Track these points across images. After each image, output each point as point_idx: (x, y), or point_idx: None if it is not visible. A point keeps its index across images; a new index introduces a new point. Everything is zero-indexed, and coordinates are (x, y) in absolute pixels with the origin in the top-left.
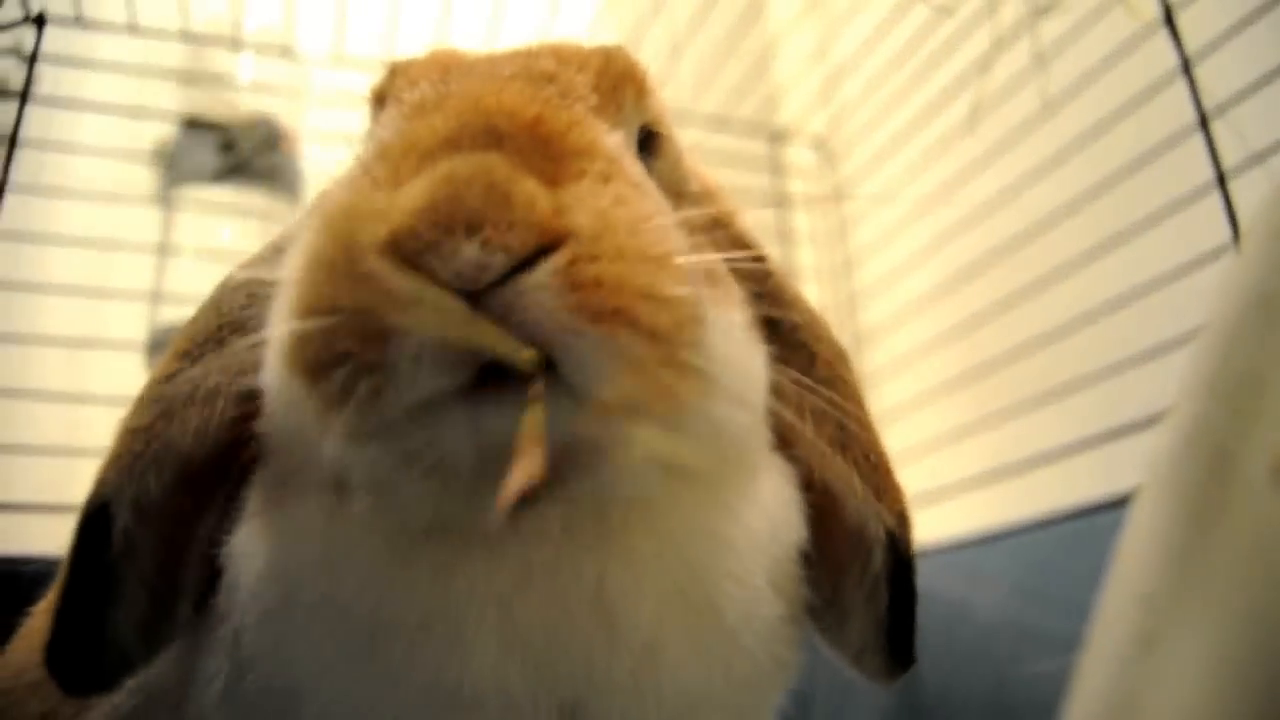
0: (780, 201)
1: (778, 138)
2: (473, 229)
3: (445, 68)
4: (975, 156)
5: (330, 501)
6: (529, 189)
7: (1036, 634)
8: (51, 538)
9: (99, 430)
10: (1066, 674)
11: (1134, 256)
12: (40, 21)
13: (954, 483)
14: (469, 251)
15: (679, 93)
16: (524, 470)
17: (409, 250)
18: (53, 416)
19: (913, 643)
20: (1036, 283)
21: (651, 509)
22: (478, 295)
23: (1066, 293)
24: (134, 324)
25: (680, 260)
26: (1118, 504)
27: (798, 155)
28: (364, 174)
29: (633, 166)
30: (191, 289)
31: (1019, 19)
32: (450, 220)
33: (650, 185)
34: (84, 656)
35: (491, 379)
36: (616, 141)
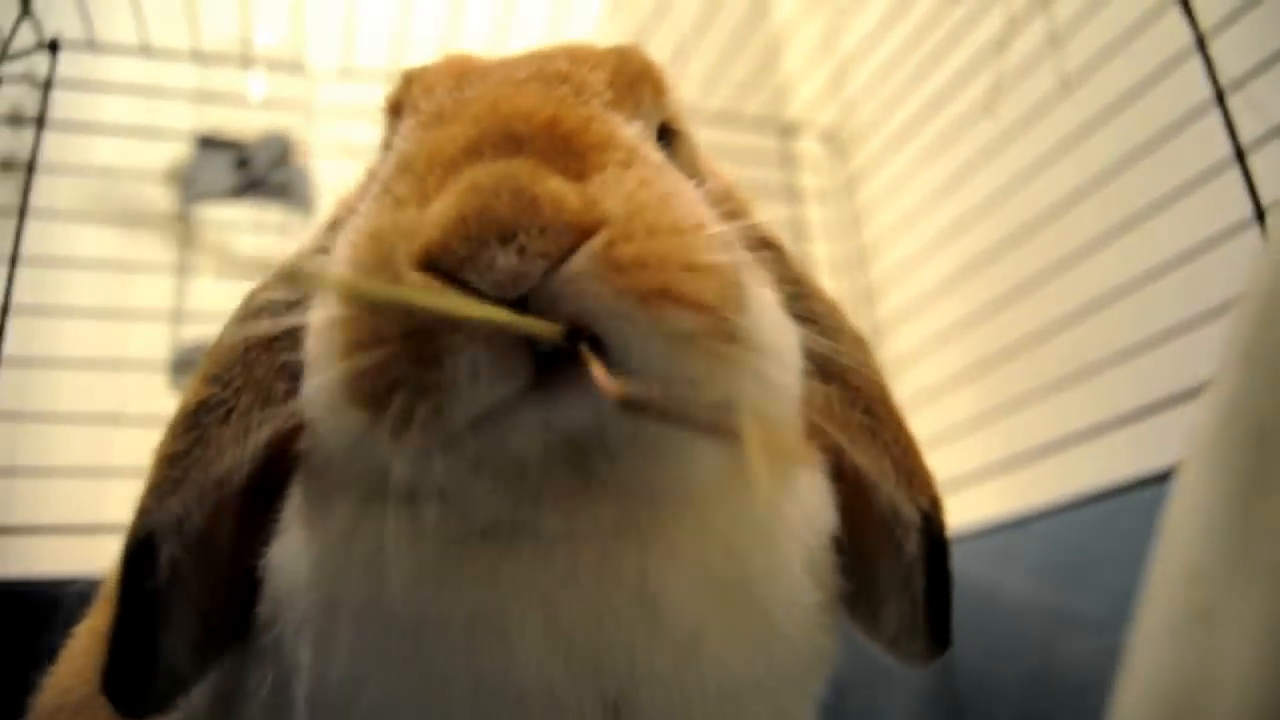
0: (792, 195)
1: (787, 132)
2: (506, 238)
3: (460, 74)
4: (990, 140)
5: (395, 510)
6: (555, 189)
7: (1070, 616)
8: (80, 558)
9: (126, 450)
10: (1102, 655)
11: (1154, 234)
12: (54, 47)
13: (979, 468)
14: (505, 261)
15: (687, 90)
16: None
17: (445, 267)
18: (78, 438)
19: (949, 625)
20: (1057, 264)
21: (694, 501)
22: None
23: (1087, 273)
24: (155, 344)
25: (713, 231)
26: (1145, 483)
27: (808, 148)
28: (387, 191)
29: (653, 153)
30: (212, 306)
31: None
32: (482, 232)
33: (672, 168)
34: (139, 680)
35: (547, 374)
36: (635, 131)
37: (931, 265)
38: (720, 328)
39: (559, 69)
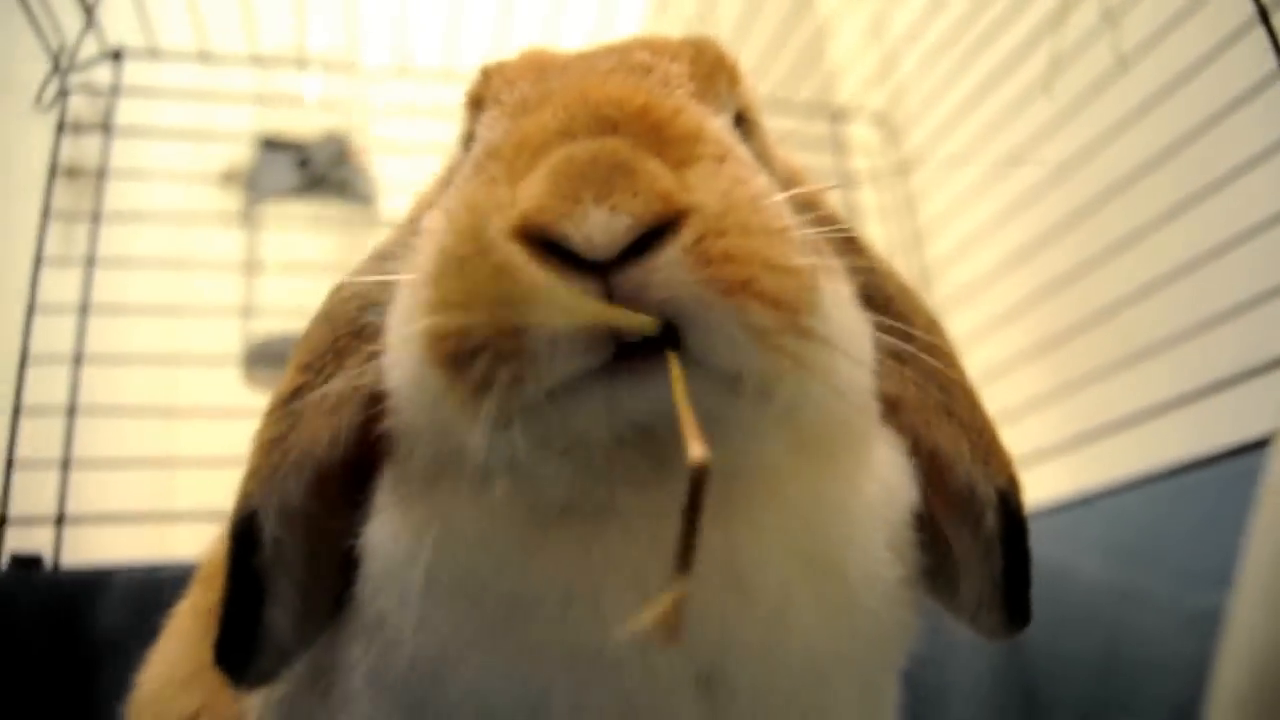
0: (845, 179)
1: (839, 116)
2: (600, 196)
3: (541, 67)
4: (1046, 119)
5: (469, 486)
6: (652, 165)
7: (1139, 593)
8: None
9: (195, 441)
10: (1172, 632)
11: (1222, 208)
12: (118, 56)
13: (1043, 447)
14: (598, 216)
15: None
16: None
17: (540, 223)
18: (148, 431)
19: (1028, 600)
20: (1120, 241)
21: (775, 480)
22: (608, 273)
23: (1152, 249)
24: (225, 339)
25: (797, 234)
26: (1213, 460)
27: (860, 132)
28: (479, 173)
29: (740, 149)
30: (279, 301)
31: None
32: (578, 190)
33: (758, 166)
34: (247, 652)
35: (624, 356)
36: (722, 124)
37: (989, 246)
38: (796, 326)
39: (641, 60)
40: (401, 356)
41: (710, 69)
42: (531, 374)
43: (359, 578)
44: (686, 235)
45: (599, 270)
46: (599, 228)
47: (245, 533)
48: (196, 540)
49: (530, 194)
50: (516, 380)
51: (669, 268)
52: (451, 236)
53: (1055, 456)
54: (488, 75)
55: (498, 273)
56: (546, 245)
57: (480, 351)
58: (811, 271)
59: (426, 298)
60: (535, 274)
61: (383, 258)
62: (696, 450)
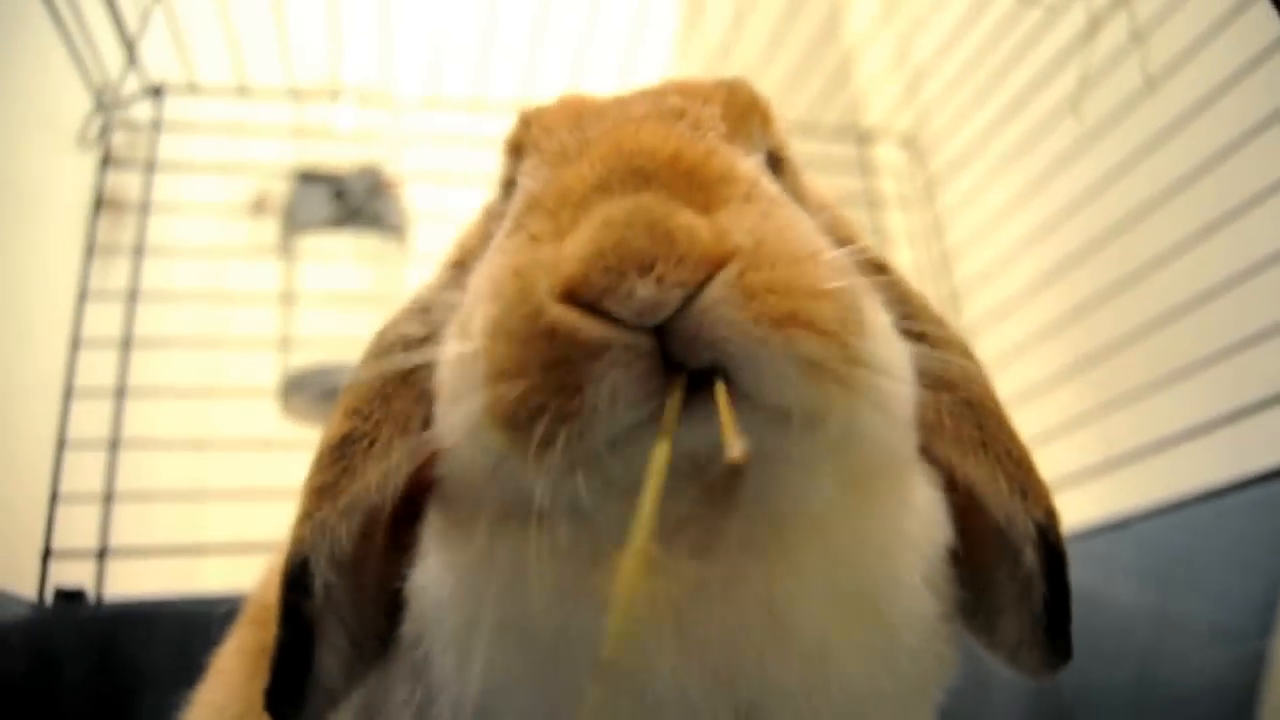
0: (872, 202)
1: (865, 138)
2: (645, 269)
3: (577, 113)
4: (1074, 140)
5: (525, 530)
6: (688, 221)
7: (1174, 620)
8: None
9: (232, 473)
10: (1208, 660)
11: (1253, 230)
12: (159, 92)
13: (1075, 471)
14: (645, 291)
15: None
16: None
17: (586, 298)
18: (185, 464)
19: (1069, 636)
20: (1150, 263)
21: (817, 518)
22: (660, 326)
23: (1184, 271)
24: (261, 370)
25: (830, 258)
26: (1248, 484)
27: (887, 154)
28: (520, 228)
29: (770, 185)
30: (316, 333)
31: None
32: (621, 264)
33: (787, 199)
34: (299, 698)
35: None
36: (753, 164)
37: (1017, 269)
38: (844, 353)
39: (674, 105)
40: (460, 419)
41: (743, 111)
42: (591, 429)
43: (406, 619)
44: (729, 273)
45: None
46: (646, 304)
47: (298, 579)
48: (234, 572)
49: (573, 259)
50: (579, 436)
51: (716, 306)
52: (500, 303)
53: (1088, 480)
54: (527, 122)
55: (551, 334)
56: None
57: (540, 413)
58: (852, 293)
59: (483, 368)
60: (588, 328)
61: (425, 304)
62: (735, 448)
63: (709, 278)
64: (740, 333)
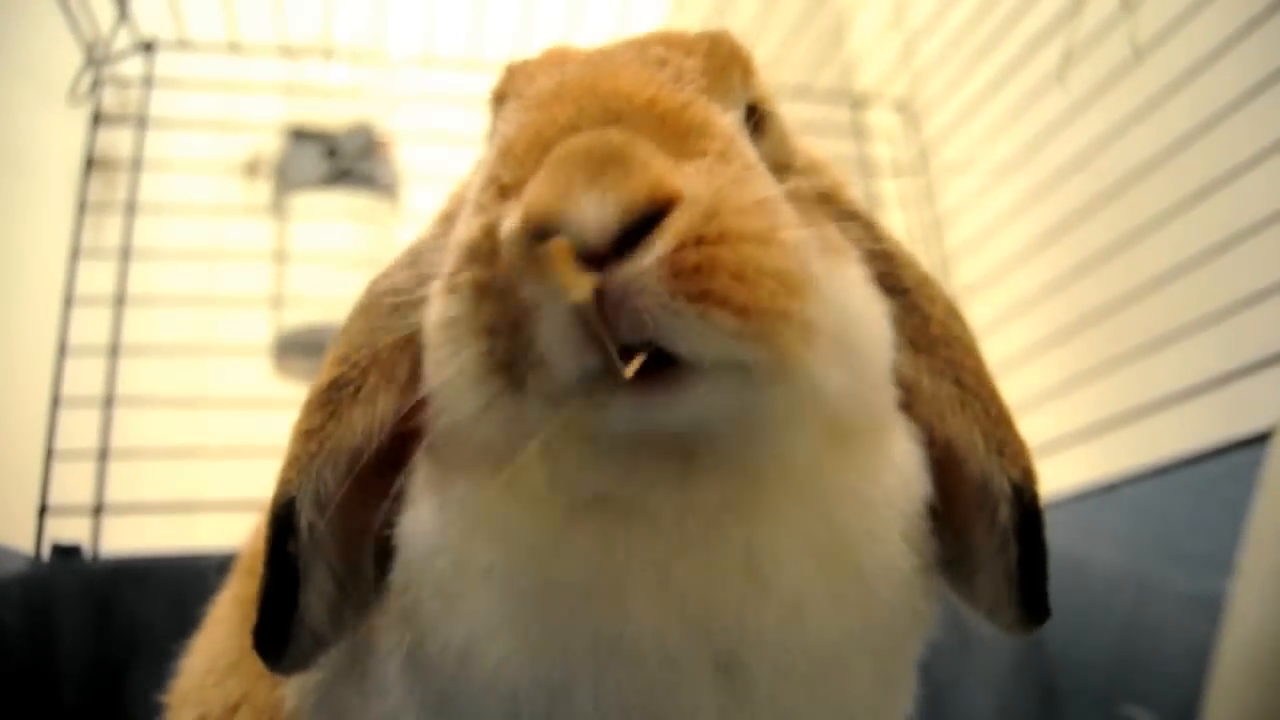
0: (865, 167)
1: (859, 103)
2: (591, 182)
3: (560, 62)
4: (1066, 107)
5: (499, 479)
6: (646, 150)
7: (1158, 583)
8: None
9: (226, 431)
10: (1191, 623)
11: (1240, 197)
12: (150, 48)
13: (1062, 436)
14: (589, 200)
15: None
16: None
17: (539, 217)
18: (179, 421)
19: (1045, 595)
20: (1139, 229)
21: (794, 473)
22: (603, 266)
23: (1171, 238)
24: (254, 328)
25: (788, 236)
26: (1232, 448)
27: (880, 119)
28: (492, 179)
29: (748, 147)
30: (308, 292)
31: None
32: (571, 182)
33: (761, 165)
34: (284, 637)
35: (654, 366)
36: (731, 121)
37: (1009, 234)
38: (775, 325)
39: (656, 55)
40: (436, 373)
41: (724, 63)
42: (554, 371)
43: (395, 566)
44: (666, 239)
45: (597, 264)
46: (590, 213)
47: (283, 520)
48: (228, 529)
49: (532, 191)
50: (537, 365)
51: (643, 278)
52: (467, 249)
53: (1075, 445)
54: (511, 72)
55: (504, 293)
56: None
57: (502, 367)
58: (801, 272)
59: (456, 312)
60: (535, 287)
61: (416, 255)
62: (624, 372)
63: (653, 211)
64: (659, 307)
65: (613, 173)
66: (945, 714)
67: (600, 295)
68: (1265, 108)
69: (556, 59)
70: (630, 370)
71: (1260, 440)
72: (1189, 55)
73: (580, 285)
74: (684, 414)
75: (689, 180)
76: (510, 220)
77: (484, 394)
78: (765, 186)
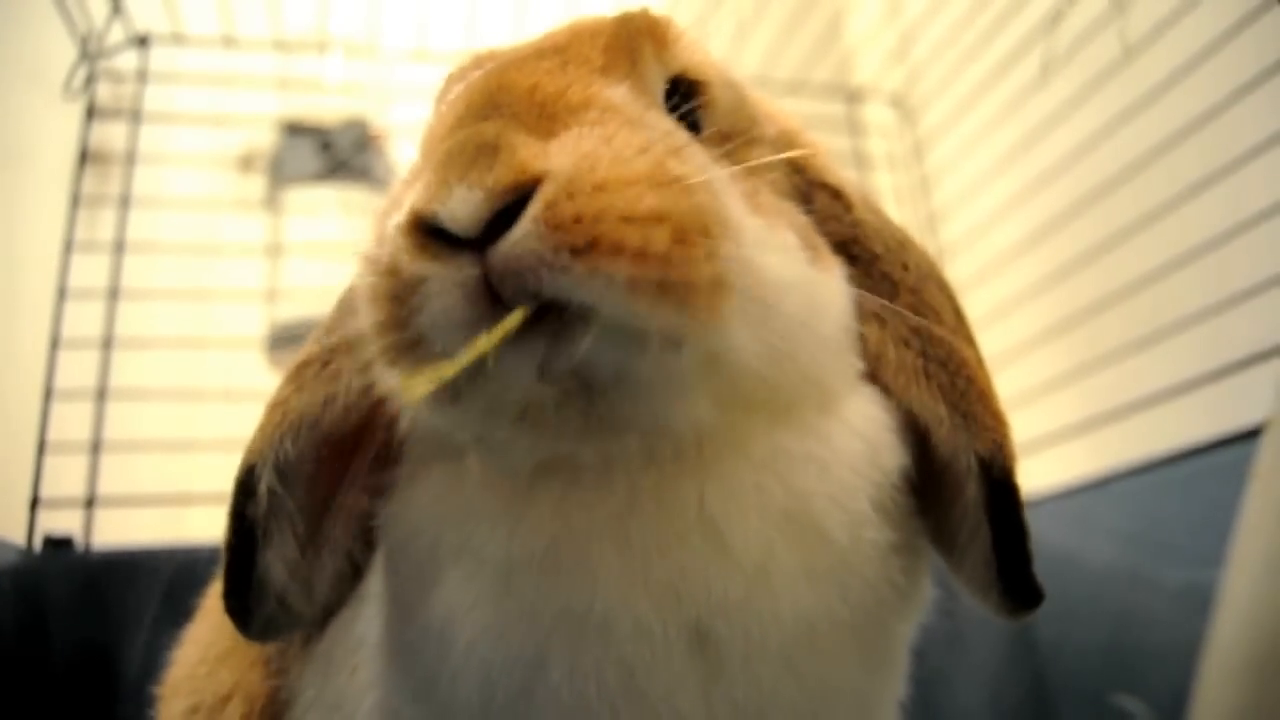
0: (861, 161)
1: (854, 98)
2: (462, 176)
3: (479, 63)
4: (1061, 102)
5: (454, 464)
6: (512, 140)
7: (1151, 578)
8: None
9: (219, 424)
10: (1183, 617)
11: (1233, 192)
12: (145, 42)
13: (1054, 431)
14: (459, 193)
15: (752, 59)
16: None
17: (417, 213)
18: (172, 414)
19: (1030, 578)
20: (1133, 224)
21: (739, 435)
22: (484, 255)
23: (1165, 233)
24: (247, 322)
25: (687, 176)
26: (1226, 443)
27: (876, 113)
28: (406, 181)
29: (636, 110)
30: (302, 286)
31: None
32: (445, 177)
33: (660, 123)
34: (249, 599)
35: (534, 322)
36: (619, 93)
37: (1003, 229)
38: (671, 274)
39: (558, 42)
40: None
41: (629, 39)
42: (445, 352)
43: (379, 549)
44: (537, 204)
45: (478, 249)
46: (460, 204)
47: (244, 484)
48: (220, 521)
49: (415, 190)
50: (438, 358)
51: (524, 240)
52: (368, 256)
53: (1067, 440)
54: (448, 78)
55: (395, 285)
56: (432, 233)
57: (404, 355)
58: (698, 218)
59: (365, 309)
60: (412, 267)
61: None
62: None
63: (518, 194)
64: (543, 264)
65: (482, 163)
66: (937, 705)
67: (486, 275)
68: (1255, 105)
69: (479, 60)
70: (512, 322)
71: (1252, 435)
72: (1179, 54)
73: (463, 263)
74: (563, 364)
75: (556, 155)
76: (393, 219)
77: (393, 377)
78: (649, 138)
